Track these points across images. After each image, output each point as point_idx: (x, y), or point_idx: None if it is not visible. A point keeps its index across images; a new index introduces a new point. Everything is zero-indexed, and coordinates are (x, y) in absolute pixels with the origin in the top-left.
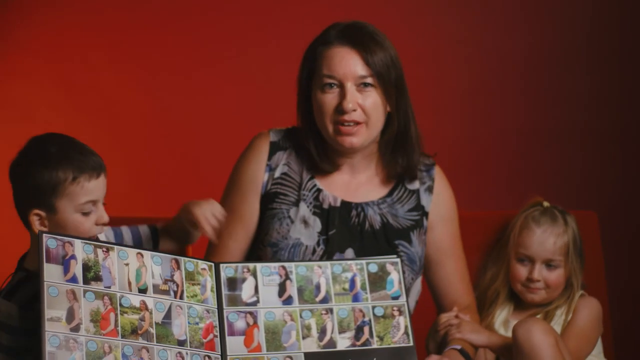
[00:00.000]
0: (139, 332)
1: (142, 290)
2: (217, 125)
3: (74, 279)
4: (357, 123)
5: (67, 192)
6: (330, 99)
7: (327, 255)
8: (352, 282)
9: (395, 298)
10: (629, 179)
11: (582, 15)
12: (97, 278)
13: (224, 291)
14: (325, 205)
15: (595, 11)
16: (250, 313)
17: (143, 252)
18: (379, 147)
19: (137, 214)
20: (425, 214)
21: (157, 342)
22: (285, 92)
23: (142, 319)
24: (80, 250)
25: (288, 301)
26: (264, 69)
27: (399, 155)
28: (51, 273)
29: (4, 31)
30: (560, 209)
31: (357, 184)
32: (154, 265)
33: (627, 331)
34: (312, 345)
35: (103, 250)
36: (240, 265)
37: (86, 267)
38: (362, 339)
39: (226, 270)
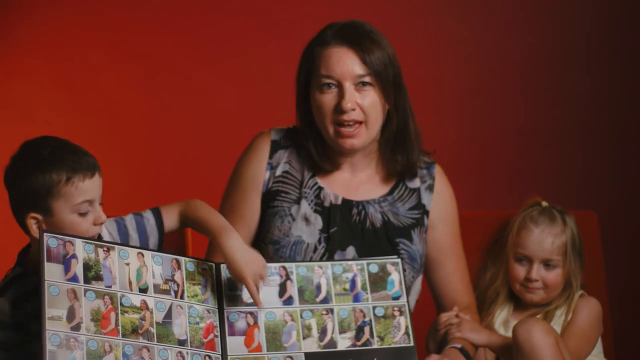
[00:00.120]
0: (140, 331)
1: (143, 290)
2: (217, 125)
3: (74, 278)
4: (356, 122)
5: (62, 193)
6: (328, 99)
7: (328, 253)
8: (353, 282)
9: (396, 298)
10: (629, 179)
11: (582, 15)
12: (98, 277)
13: (225, 291)
14: (327, 203)
15: (595, 11)
16: (251, 313)
17: (144, 251)
18: (379, 145)
19: None
20: (426, 212)
21: (157, 342)
22: (285, 92)
23: (143, 319)
24: (81, 250)
25: (288, 301)
26: (264, 69)
27: (398, 153)
28: (52, 272)
29: (4, 31)
30: (559, 209)
31: (357, 182)
32: (154, 265)
33: (627, 331)
34: (312, 345)
35: (104, 250)
36: None
37: (87, 267)
38: (363, 339)
39: (227, 271)
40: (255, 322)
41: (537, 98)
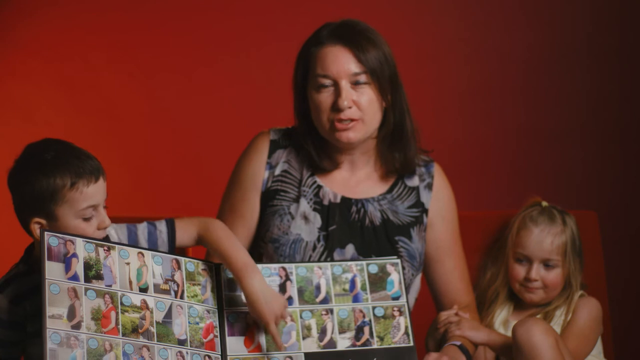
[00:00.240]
0: (140, 330)
1: (143, 290)
2: (217, 125)
3: (75, 277)
4: (353, 120)
5: (67, 199)
6: (325, 97)
7: (328, 251)
8: (352, 282)
9: (396, 298)
10: (629, 179)
11: (582, 15)
12: (99, 276)
13: (225, 292)
14: (326, 202)
15: (595, 10)
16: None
17: (144, 251)
18: (377, 143)
19: (137, 214)
20: (425, 210)
21: (157, 341)
22: (285, 92)
23: (143, 318)
24: (82, 249)
25: (288, 302)
26: (264, 69)
27: (395, 150)
28: (52, 271)
29: (4, 31)
30: (559, 208)
31: (356, 180)
32: (154, 265)
33: (627, 331)
34: (312, 345)
35: (104, 249)
36: None
37: (87, 266)
38: (363, 339)
39: (226, 271)
40: (255, 323)
41: (537, 98)
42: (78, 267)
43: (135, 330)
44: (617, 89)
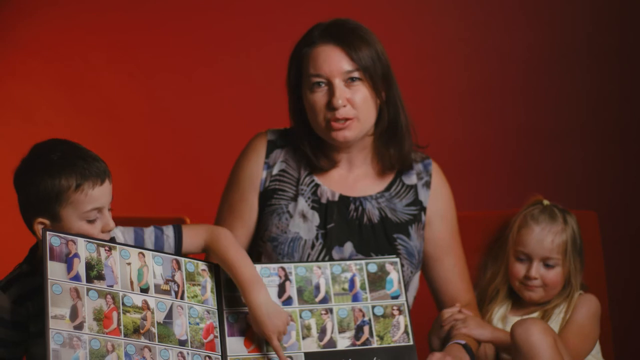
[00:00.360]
0: (141, 331)
1: (144, 290)
2: (217, 125)
3: (77, 277)
4: (348, 119)
5: (71, 201)
6: (319, 97)
7: (326, 249)
8: (352, 282)
9: (395, 297)
10: (629, 179)
11: (582, 14)
12: (100, 277)
13: (224, 292)
14: (324, 200)
15: (595, 10)
16: None
17: (144, 251)
18: (374, 140)
19: (137, 214)
20: (423, 208)
21: (159, 342)
22: (285, 92)
23: (144, 319)
24: (83, 249)
25: (288, 302)
26: (264, 69)
27: (391, 146)
28: (55, 271)
29: (4, 31)
30: (560, 207)
31: (354, 178)
32: (155, 265)
33: (627, 331)
34: (312, 345)
35: (105, 249)
36: None
37: (89, 266)
38: (362, 339)
39: (226, 272)
40: None
41: (537, 98)
42: (80, 267)
43: (136, 330)
44: (617, 89)
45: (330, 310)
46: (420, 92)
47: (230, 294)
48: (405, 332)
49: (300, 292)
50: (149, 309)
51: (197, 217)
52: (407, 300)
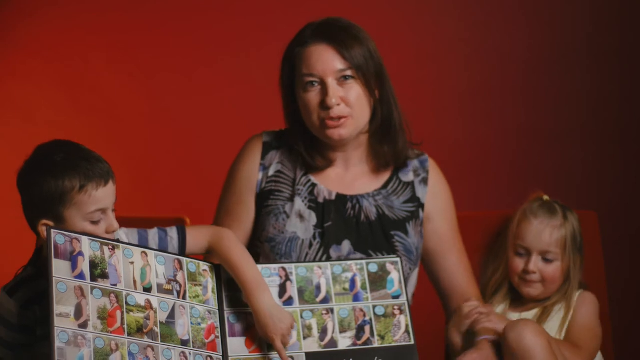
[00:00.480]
0: (145, 330)
1: (147, 289)
2: (216, 125)
3: (81, 276)
4: (342, 118)
5: (75, 202)
6: (313, 96)
7: (324, 248)
8: (353, 282)
9: (396, 297)
10: (629, 179)
11: (582, 15)
12: (104, 275)
13: (225, 292)
14: (321, 199)
15: (595, 10)
16: (251, 314)
17: (147, 251)
18: (369, 137)
19: (137, 214)
20: (421, 205)
21: (161, 342)
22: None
23: (148, 318)
24: (87, 247)
25: (288, 302)
26: (264, 69)
27: (385, 143)
28: (60, 269)
29: (4, 31)
30: (561, 203)
31: (351, 177)
32: (157, 265)
33: (627, 331)
34: (313, 345)
35: (109, 248)
36: None
37: (93, 265)
38: (363, 339)
39: (227, 272)
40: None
41: (537, 98)
42: (84, 266)
43: (140, 330)
44: (617, 89)
45: (331, 310)
46: (420, 92)
47: (231, 294)
48: (407, 331)
49: (301, 292)
50: (152, 308)
51: (197, 217)
52: (408, 300)
